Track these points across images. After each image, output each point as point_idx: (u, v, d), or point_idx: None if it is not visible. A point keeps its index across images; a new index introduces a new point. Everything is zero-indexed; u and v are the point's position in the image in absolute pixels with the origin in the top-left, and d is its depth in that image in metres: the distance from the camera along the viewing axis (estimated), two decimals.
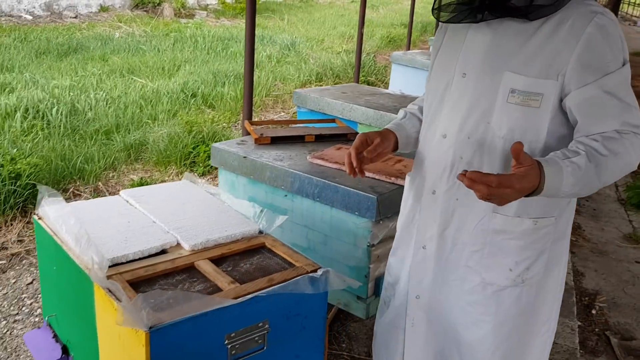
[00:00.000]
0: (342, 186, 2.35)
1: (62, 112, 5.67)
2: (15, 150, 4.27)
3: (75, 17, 14.84)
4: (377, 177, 2.45)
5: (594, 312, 3.28)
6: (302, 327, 1.74)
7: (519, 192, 1.23)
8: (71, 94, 6.48)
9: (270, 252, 1.90)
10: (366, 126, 3.82)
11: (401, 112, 1.79)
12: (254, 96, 4.23)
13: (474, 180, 1.19)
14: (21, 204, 3.84)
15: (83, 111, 5.95)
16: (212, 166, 4.88)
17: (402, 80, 6.56)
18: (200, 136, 5.35)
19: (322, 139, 3.03)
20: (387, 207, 2.29)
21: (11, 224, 3.71)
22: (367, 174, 2.49)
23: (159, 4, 16.60)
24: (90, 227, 1.87)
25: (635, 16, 31.62)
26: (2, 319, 2.87)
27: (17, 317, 2.88)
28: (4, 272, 3.26)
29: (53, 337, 2.11)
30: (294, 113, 7.00)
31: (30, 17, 13.95)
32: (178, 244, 1.87)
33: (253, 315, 1.60)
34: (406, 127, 1.71)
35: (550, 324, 1.65)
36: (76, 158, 4.63)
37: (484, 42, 1.44)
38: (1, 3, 13.68)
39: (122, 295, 1.50)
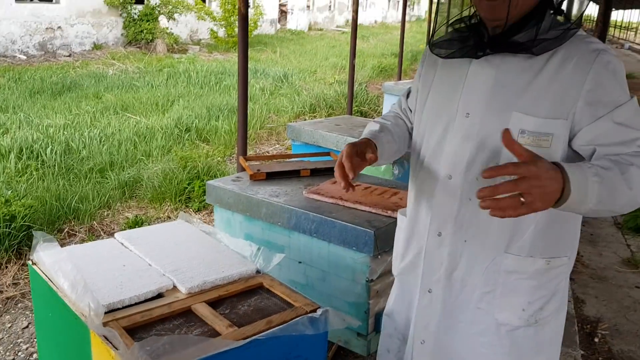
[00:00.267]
0: (339, 221, 2.34)
1: (56, 151, 5.67)
2: (9, 192, 4.26)
3: (69, 56, 14.98)
4: (373, 210, 2.45)
5: (596, 340, 3.24)
6: None
7: (550, 181, 1.11)
8: (65, 132, 6.50)
9: (268, 293, 1.88)
10: None
11: (375, 125, 1.68)
12: (248, 129, 4.25)
13: (493, 176, 1.11)
14: (16, 246, 3.80)
15: (77, 150, 5.96)
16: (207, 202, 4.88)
17: None
18: (195, 171, 5.35)
19: (318, 173, 3.03)
20: (384, 241, 2.27)
21: (6, 267, 3.67)
22: (363, 207, 2.50)
23: (151, 40, 16.78)
24: (86, 272, 1.85)
25: (622, 39, 32.15)
26: None
27: None
28: None
29: None
30: (289, 146, 7.03)
31: (25, 57, 14.07)
32: (174, 287, 1.85)
33: (252, 359, 1.57)
34: (383, 141, 1.61)
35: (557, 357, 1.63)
36: (71, 198, 4.61)
37: (487, 81, 1.41)
38: None
39: (119, 343, 1.47)
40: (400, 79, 9.66)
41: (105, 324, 1.59)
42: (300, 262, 2.52)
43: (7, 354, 2.91)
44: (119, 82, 10.65)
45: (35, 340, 2.99)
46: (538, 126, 1.34)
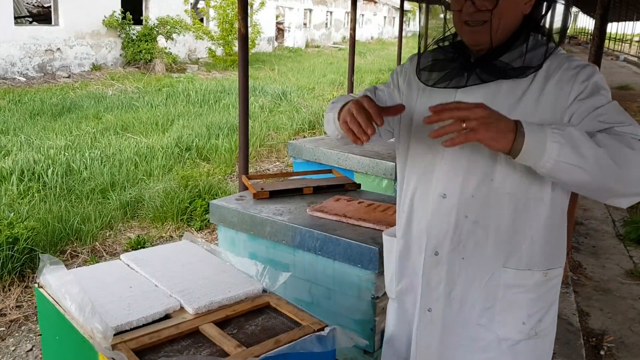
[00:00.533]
0: (344, 239, 2.35)
1: (57, 172, 5.68)
2: (12, 214, 4.26)
3: (69, 77, 15.06)
4: (377, 227, 2.45)
5: (602, 353, 3.23)
6: None
7: (497, 120, 1.17)
8: (66, 154, 6.52)
9: (275, 312, 1.88)
10: (362, 174, 3.85)
11: (368, 92, 1.63)
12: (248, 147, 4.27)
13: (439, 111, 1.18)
14: (19, 269, 3.80)
15: (78, 171, 5.97)
16: (209, 220, 4.88)
17: None
18: (196, 190, 5.36)
19: (320, 191, 3.04)
20: None
21: (9, 290, 3.67)
22: (366, 224, 2.50)
23: (150, 60, 16.88)
24: (93, 294, 1.86)
25: (617, 51, 32.38)
26: None
27: None
28: (3, 340, 3.20)
29: None
30: (289, 163, 7.05)
31: (24, 79, 14.15)
32: (182, 308, 1.85)
33: None
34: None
35: None
36: (73, 219, 4.62)
37: (475, 100, 1.38)
38: None
39: None
40: None
41: (113, 347, 1.59)
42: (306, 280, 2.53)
43: None
44: (119, 103, 10.70)
45: None
46: None
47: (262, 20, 21.63)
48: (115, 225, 4.90)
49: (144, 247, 4.35)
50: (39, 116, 9.27)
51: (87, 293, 1.81)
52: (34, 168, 5.74)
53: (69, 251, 4.32)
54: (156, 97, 11.41)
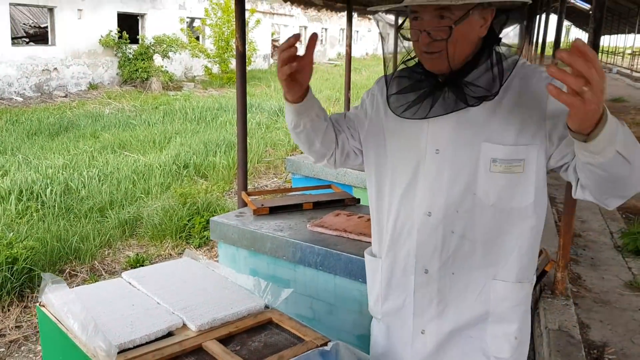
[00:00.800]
0: (345, 253, 2.36)
1: (56, 192, 5.69)
2: (11, 234, 4.26)
3: (66, 96, 15.11)
4: None
5: None
6: None
7: (601, 93, 1.05)
8: (64, 173, 6.52)
9: (277, 328, 1.88)
10: (361, 189, 3.87)
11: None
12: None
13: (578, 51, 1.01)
14: (18, 289, 3.79)
15: (77, 190, 5.98)
16: (208, 237, 4.88)
17: None
18: (195, 207, 5.37)
19: (320, 206, 3.06)
20: None
21: (8, 310, 3.66)
22: (367, 239, 2.51)
23: (147, 79, 16.96)
24: (96, 313, 1.86)
25: (610, 64, 32.67)
26: None
27: None
28: None
29: None
30: (287, 179, 7.07)
31: (21, 99, 14.19)
32: (184, 325, 1.85)
33: None
34: (315, 106, 1.56)
35: None
36: (71, 238, 4.62)
37: (451, 116, 1.42)
38: None
39: None
40: None
41: None
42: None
43: None
44: (116, 121, 10.73)
45: None
46: (508, 153, 1.38)
47: (258, 38, 21.81)
48: (114, 244, 4.89)
49: (143, 265, 4.34)
50: (36, 136, 9.29)
51: (90, 311, 1.82)
52: (32, 187, 5.75)
53: (67, 270, 4.31)
54: (153, 115, 11.45)
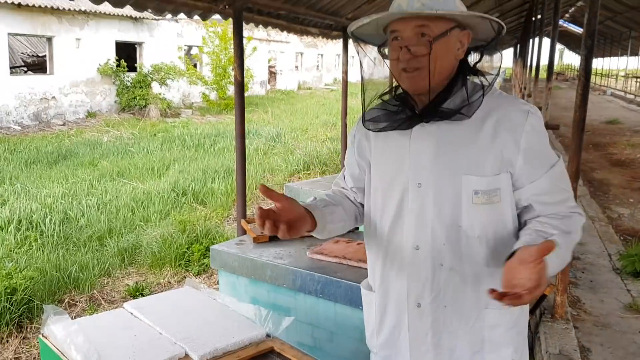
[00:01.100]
0: (345, 281, 2.37)
1: (54, 221, 5.70)
2: (10, 264, 4.26)
3: (64, 125, 15.18)
4: None
5: None
6: None
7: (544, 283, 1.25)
8: (63, 202, 6.54)
9: (279, 357, 1.89)
10: None
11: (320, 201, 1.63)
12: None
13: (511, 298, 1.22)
14: (17, 320, 3.78)
15: (75, 218, 5.99)
16: (207, 265, 4.87)
17: None
18: (194, 235, 5.38)
19: None
20: None
21: (7, 341, 3.64)
22: (366, 266, 2.52)
23: (145, 106, 17.07)
24: (98, 344, 1.86)
25: (604, 86, 33.01)
26: None
27: None
28: None
29: None
30: None
31: (19, 128, 14.25)
32: (186, 355, 1.86)
33: None
34: (325, 212, 1.57)
35: None
36: (71, 267, 4.61)
37: (429, 149, 1.45)
38: None
39: None
40: None
41: None
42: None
43: None
44: (114, 149, 10.78)
45: None
46: (488, 184, 1.42)
47: (255, 64, 22.01)
48: (113, 273, 4.89)
49: (142, 294, 4.34)
50: (34, 164, 9.32)
51: (93, 343, 1.82)
52: (31, 217, 5.75)
53: (67, 300, 4.30)
54: (151, 143, 11.50)
